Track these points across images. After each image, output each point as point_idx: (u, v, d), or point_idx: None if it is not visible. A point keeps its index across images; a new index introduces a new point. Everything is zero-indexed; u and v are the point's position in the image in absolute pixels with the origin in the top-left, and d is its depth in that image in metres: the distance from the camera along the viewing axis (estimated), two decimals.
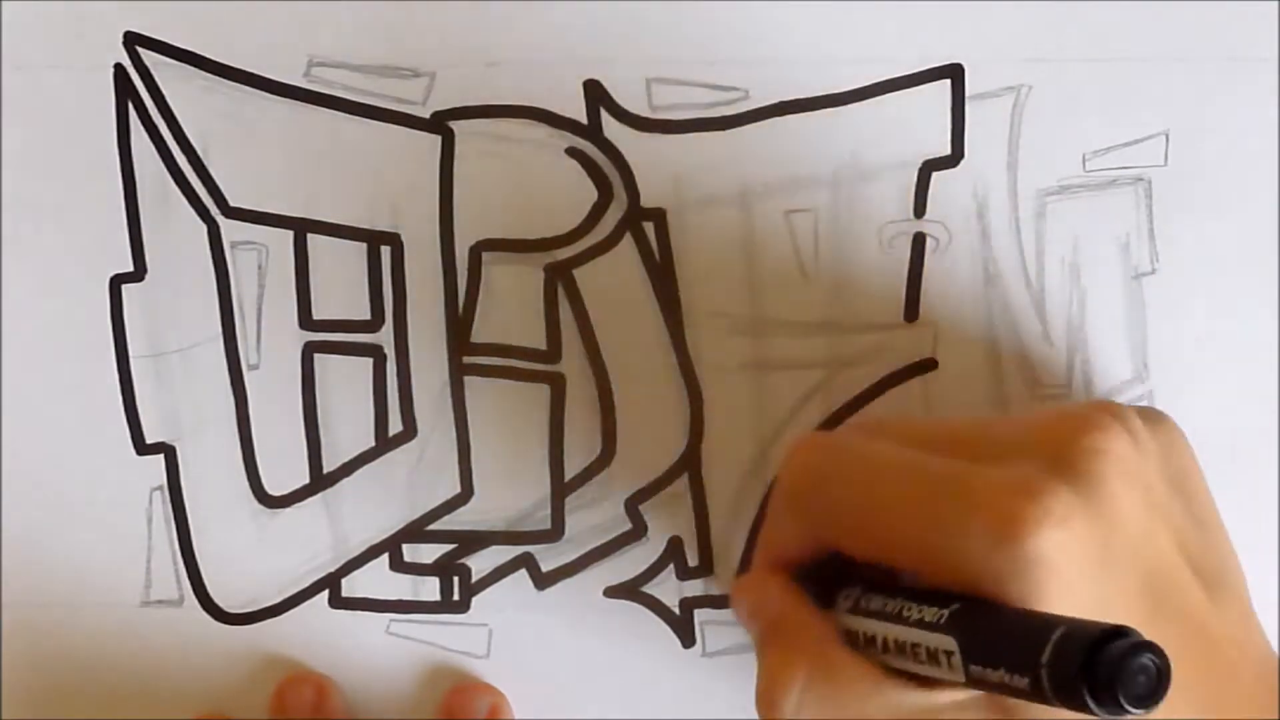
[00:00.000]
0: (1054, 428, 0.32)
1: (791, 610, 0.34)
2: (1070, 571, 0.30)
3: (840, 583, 0.35)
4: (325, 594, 0.42)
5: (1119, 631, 0.27)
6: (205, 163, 0.41)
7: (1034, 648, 0.28)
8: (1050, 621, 0.28)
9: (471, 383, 0.41)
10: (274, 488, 0.42)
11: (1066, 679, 0.27)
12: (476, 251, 0.41)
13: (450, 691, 0.41)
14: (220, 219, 0.41)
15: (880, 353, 0.41)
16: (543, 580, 0.42)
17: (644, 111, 0.40)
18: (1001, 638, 0.29)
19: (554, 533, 0.41)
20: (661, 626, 0.42)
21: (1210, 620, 0.33)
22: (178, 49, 0.41)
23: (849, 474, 0.34)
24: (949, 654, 0.30)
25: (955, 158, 0.40)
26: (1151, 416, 0.35)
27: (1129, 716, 0.27)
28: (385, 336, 0.41)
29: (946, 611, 0.31)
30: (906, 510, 0.32)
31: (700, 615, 0.41)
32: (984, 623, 0.30)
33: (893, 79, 0.40)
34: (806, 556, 0.35)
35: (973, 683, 0.30)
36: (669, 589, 0.41)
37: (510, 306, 0.41)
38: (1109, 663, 0.27)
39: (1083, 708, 0.27)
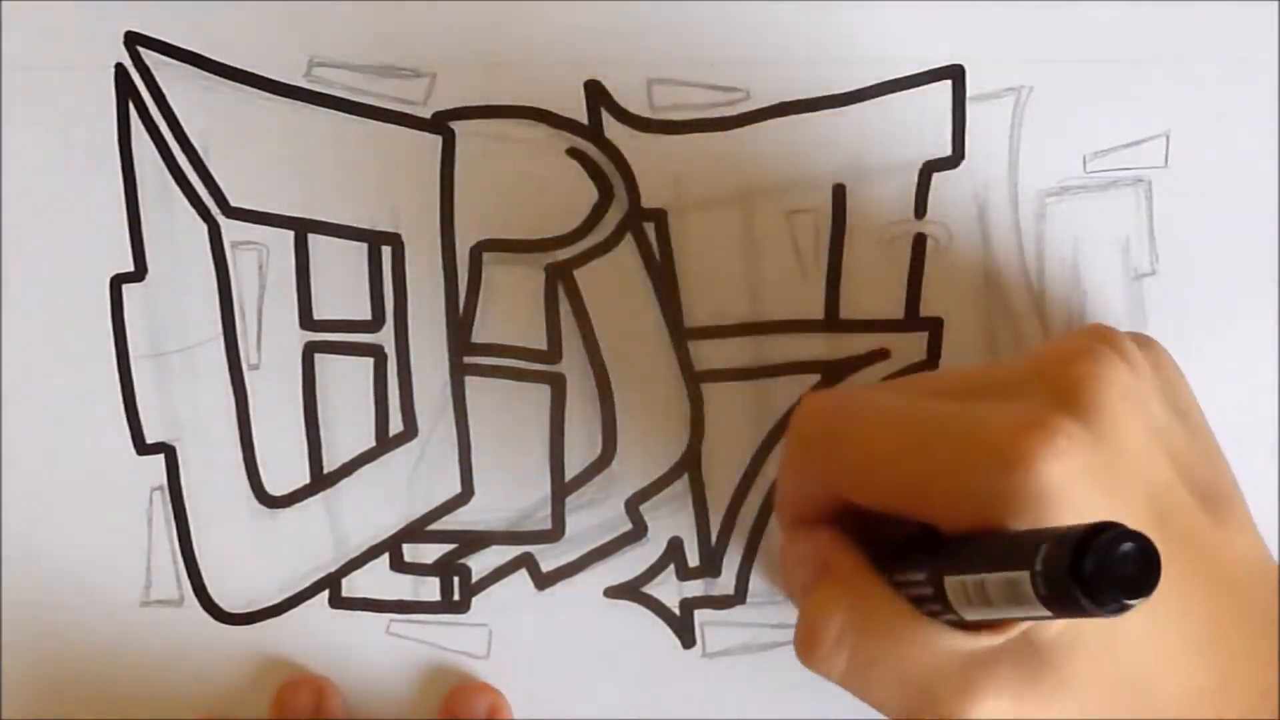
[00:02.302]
0: (1051, 360, 0.33)
1: (838, 553, 0.34)
2: (1077, 497, 0.30)
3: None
4: (325, 594, 0.42)
5: (1103, 527, 0.27)
6: (206, 163, 0.41)
7: (1027, 560, 0.28)
8: (1041, 534, 0.29)
9: (472, 383, 0.41)
10: (274, 488, 0.42)
11: (1058, 581, 0.27)
12: (477, 252, 0.41)
13: (450, 692, 0.41)
14: (221, 219, 0.41)
15: (880, 352, 0.41)
16: (543, 580, 0.42)
17: (645, 112, 0.40)
18: (999, 558, 0.29)
19: (554, 533, 0.41)
20: (661, 627, 0.42)
21: (1213, 537, 0.33)
22: (178, 49, 0.41)
23: (854, 424, 0.34)
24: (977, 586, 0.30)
25: (956, 159, 0.40)
26: (1143, 341, 0.36)
27: (1126, 608, 0.27)
28: (386, 336, 0.41)
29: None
30: (912, 455, 0.32)
31: (700, 616, 0.41)
32: (978, 553, 0.30)
33: (894, 80, 0.40)
34: (822, 511, 0.35)
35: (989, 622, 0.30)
36: (669, 589, 0.41)
37: (511, 307, 0.41)
38: (1096, 554, 0.26)
39: (1079, 609, 0.27)
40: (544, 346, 0.41)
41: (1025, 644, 0.31)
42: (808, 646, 0.33)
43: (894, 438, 0.33)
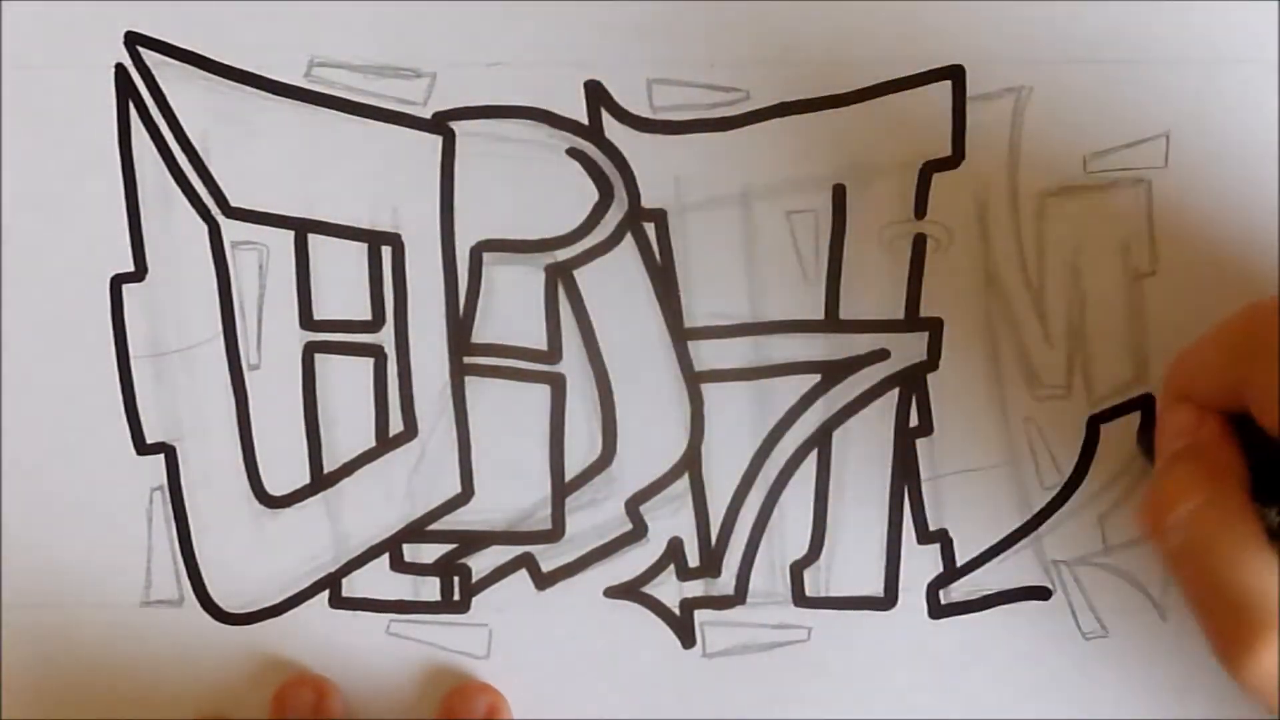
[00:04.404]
0: None
1: (1219, 446, 0.34)
2: None
3: None
4: (325, 594, 0.42)
5: None
6: (206, 162, 0.41)
7: None
8: None
9: (472, 383, 0.41)
10: (274, 488, 0.42)
11: None
12: (477, 252, 0.41)
13: (449, 692, 0.41)
14: (221, 219, 0.41)
15: (880, 353, 0.41)
16: (543, 580, 0.42)
17: (645, 112, 0.40)
18: None
19: (554, 533, 0.41)
20: (661, 627, 0.42)
21: None
22: (179, 49, 0.41)
23: None
24: None
25: (956, 159, 0.40)
26: None
27: None
28: (386, 336, 0.41)
29: None
30: None
31: (700, 616, 0.41)
32: None
33: (894, 80, 0.40)
34: (1214, 403, 0.35)
35: None
36: (669, 589, 0.42)
37: (511, 307, 0.41)
38: None
39: None
40: (544, 346, 0.41)
41: None
42: (1155, 512, 0.34)
43: None
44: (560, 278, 0.41)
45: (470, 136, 0.41)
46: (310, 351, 0.41)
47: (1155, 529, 0.34)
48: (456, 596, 0.42)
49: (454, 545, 0.42)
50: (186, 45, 0.41)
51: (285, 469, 0.41)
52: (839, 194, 0.40)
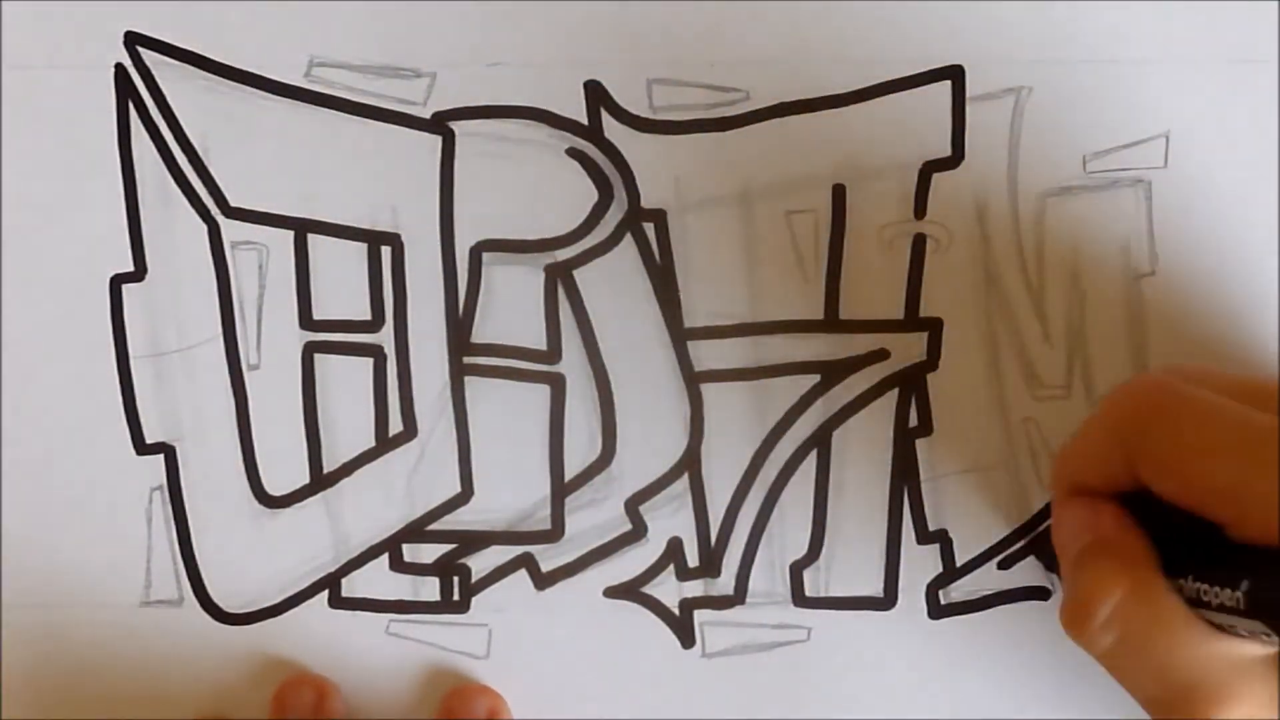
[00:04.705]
0: None
1: (1124, 534, 0.34)
2: None
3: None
4: (325, 594, 0.42)
5: None
6: (205, 163, 0.41)
7: None
8: None
9: (471, 383, 0.41)
10: (274, 488, 0.42)
11: None
12: (477, 252, 0.41)
13: (448, 694, 0.41)
14: (220, 219, 0.41)
15: (880, 353, 0.41)
16: (543, 580, 0.42)
17: (645, 112, 0.40)
18: None
19: (554, 533, 0.41)
20: (661, 627, 0.42)
21: None
22: (178, 49, 0.41)
23: (1177, 415, 0.34)
24: (1265, 635, 0.31)
25: (956, 159, 0.40)
26: None
27: None
28: (385, 336, 0.41)
29: (1241, 594, 0.31)
30: (1231, 458, 0.32)
31: (700, 616, 0.41)
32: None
33: (893, 80, 0.40)
34: (1107, 487, 0.35)
35: None
36: (669, 589, 0.42)
37: (510, 307, 0.41)
38: None
39: None
40: (544, 346, 0.41)
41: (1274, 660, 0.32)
42: (1078, 620, 0.34)
43: (1216, 439, 0.33)
44: (560, 278, 0.41)
45: (470, 136, 0.41)
46: (310, 351, 0.41)
47: (1083, 633, 0.34)
48: (456, 596, 0.42)
49: (454, 545, 0.42)
50: (186, 45, 0.41)
51: (285, 469, 0.41)
52: (839, 194, 0.40)
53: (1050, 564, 0.40)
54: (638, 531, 0.41)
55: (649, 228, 0.41)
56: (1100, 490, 0.36)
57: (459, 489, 0.41)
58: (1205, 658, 0.32)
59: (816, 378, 0.41)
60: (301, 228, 0.41)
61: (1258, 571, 0.31)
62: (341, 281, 0.41)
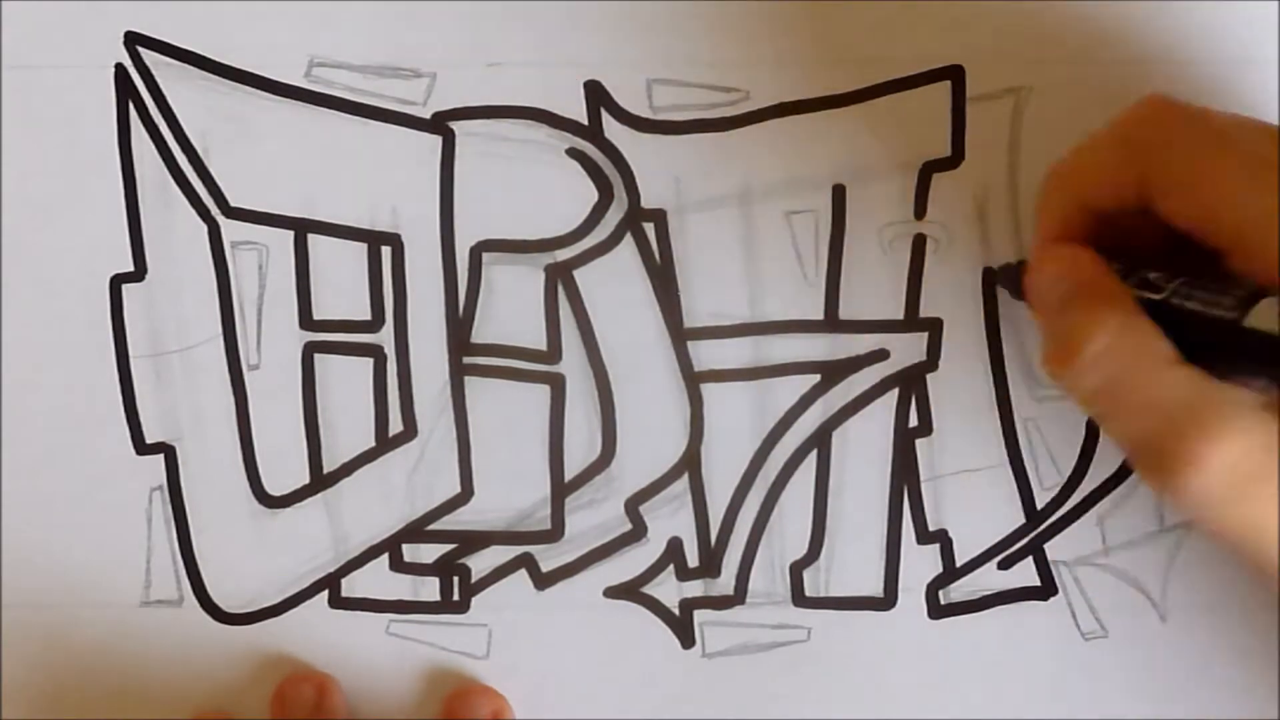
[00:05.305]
0: None
1: (1105, 277, 0.34)
2: None
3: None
4: (325, 594, 0.42)
5: None
6: (205, 163, 0.41)
7: None
8: None
9: (471, 383, 0.41)
10: (274, 488, 0.42)
11: None
12: (477, 252, 0.41)
13: (451, 695, 0.41)
14: (220, 219, 0.41)
15: (880, 353, 0.41)
16: (543, 580, 0.42)
17: (645, 112, 0.40)
18: None
19: (554, 533, 0.41)
20: (661, 627, 0.42)
21: None
22: (178, 49, 0.41)
23: (1195, 135, 0.33)
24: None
25: (956, 159, 0.40)
26: None
27: None
28: (385, 336, 0.41)
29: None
30: (1245, 182, 0.32)
31: (700, 616, 0.41)
32: None
33: (893, 80, 0.40)
34: (1108, 203, 0.35)
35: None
36: (669, 589, 0.41)
37: (510, 307, 0.41)
38: None
39: None
40: (544, 346, 0.41)
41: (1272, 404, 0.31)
42: (1062, 359, 0.33)
43: (1233, 163, 0.32)
44: (560, 278, 0.41)
45: (470, 136, 0.41)
46: (310, 351, 0.41)
47: (1070, 375, 0.33)
48: (456, 596, 0.42)
49: (454, 545, 0.42)
50: (186, 45, 0.41)
51: (285, 469, 0.41)
52: (839, 194, 0.40)
53: (1016, 292, 0.38)
54: (638, 531, 0.41)
55: (649, 228, 0.41)
56: (1097, 208, 0.35)
57: (459, 489, 0.41)
58: (1198, 391, 0.31)
59: (816, 378, 0.41)
60: (301, 228, 0.41)
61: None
62: (341, 281, 0.41)
